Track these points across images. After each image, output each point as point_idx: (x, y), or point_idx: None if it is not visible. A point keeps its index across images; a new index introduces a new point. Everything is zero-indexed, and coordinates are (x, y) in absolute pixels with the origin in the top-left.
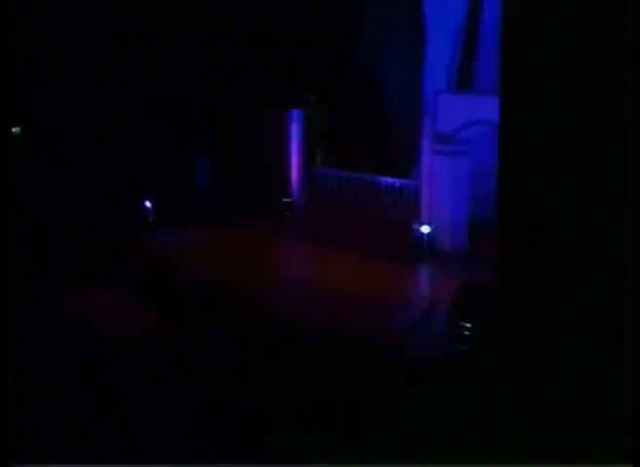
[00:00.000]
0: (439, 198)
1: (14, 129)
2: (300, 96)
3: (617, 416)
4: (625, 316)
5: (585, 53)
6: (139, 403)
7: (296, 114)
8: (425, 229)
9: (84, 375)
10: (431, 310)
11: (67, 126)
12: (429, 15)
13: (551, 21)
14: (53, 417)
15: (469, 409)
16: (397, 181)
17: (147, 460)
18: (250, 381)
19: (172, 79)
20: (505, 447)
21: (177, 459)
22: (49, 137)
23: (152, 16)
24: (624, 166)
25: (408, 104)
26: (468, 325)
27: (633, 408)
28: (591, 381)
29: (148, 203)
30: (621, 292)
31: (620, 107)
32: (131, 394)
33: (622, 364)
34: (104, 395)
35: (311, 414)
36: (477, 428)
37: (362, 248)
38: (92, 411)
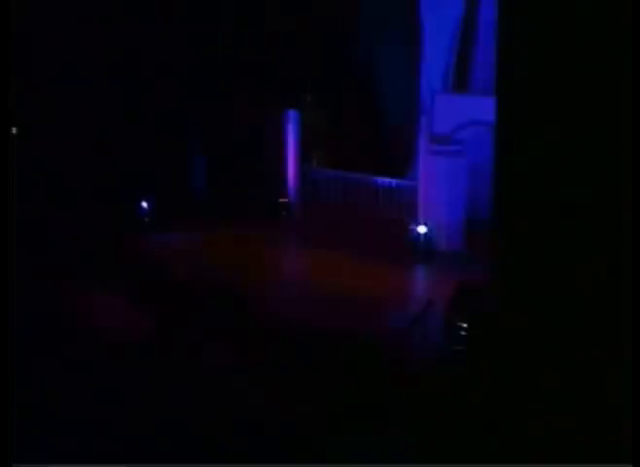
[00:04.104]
0: (435, 199)
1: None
2: (296, 97)
3: (617, 416)
4: (625, 315)
5: (583, 53)
6: (139, 403)
7: (292, 114)
8: (422, 229)
9: (84, 375)
10: (428, 310)
11: (65, 126)
12: (425, 15)
13: (549, 21)
14: (52, 418)
15: (467, 408)
16: (394, 181)
17: (147, 460)
18: (249, 381)
19: (170, 78)
20: (504, 446)
21: (177, 459)
22: (46, 137)
23: (151, 15)
24: (624, 167)
25: (405, 104)
26: (465, 325)
27: (633, 408)
28: (591, 381)
29: (144, 203)
30: (620, 291)
31: (619, 107)
32: (131, 394)
33: (621, 363)
34: (104, 395)
35: (310, 414)
36: (475, 428)
37: (359, 248)
38: (92, 411)
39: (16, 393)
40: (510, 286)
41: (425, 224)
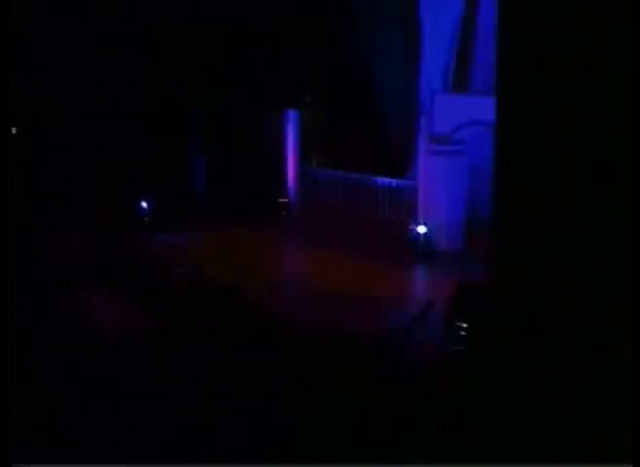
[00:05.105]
0: (435, 199)
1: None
2: (295, 96)
3: (617, 416)
4: (625, 315)
5: (583, 53)
6: (139, 403)
7: (292, 114)
8: (422, 229)
9: (83, 375)
10: (428, 310)
11: (65, 126)
12: (425, 15)
13: (549, 20)
14: (52, 418)
15: (467, 408)
16: (394, 181)
17: (147, 460)
18: (249, 382)
19: (171, 78)
20: (504, 446)
21: (177, 459)
22: (46, 137)
23: (150, 15)
24: (624, 166)
25: (405, 104)
26: (465, 325)
27: (633, 408)
28: (591, 380)
29: (144, 203)
30: (620, 291)
31: (620, 106)
32: (131, 394)
33: (621, 363)
34: (104, 395)
35: (310, 414)
36: (475, 428)
37: (359, 248)
38: (92, 411)
39: (15, 393)
40: (510, 286)
41: (425, 224)
